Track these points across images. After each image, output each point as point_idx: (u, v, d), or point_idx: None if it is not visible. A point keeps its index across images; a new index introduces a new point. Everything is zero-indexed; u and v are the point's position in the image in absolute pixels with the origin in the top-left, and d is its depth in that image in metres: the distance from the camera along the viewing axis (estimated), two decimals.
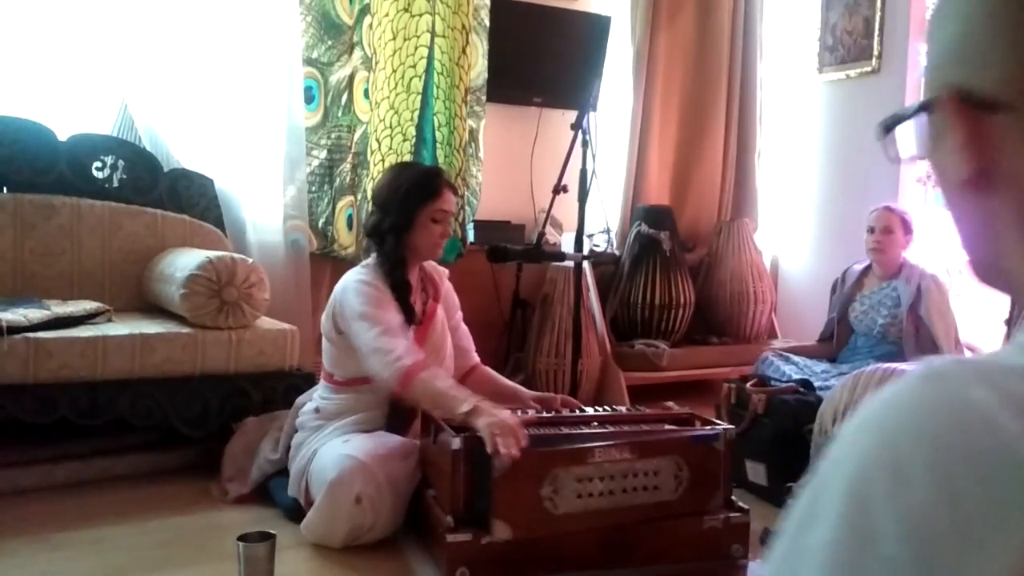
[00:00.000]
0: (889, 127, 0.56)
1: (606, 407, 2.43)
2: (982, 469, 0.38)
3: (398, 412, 2.36)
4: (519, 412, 2.21)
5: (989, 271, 0.55)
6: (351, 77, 3.51)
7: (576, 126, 2.94)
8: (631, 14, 4.14)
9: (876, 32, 3.99)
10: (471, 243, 3.67)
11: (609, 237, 4.14)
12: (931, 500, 0.38)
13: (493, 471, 1.91)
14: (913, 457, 0.40)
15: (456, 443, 2.01)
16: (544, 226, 3.36)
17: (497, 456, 1.90)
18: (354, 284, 2.32)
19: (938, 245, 3.60)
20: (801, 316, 4.31)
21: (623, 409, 2.43)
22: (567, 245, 3.68)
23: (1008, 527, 0.37)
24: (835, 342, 3.38)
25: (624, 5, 4.17)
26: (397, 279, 2.35)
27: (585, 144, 3.00)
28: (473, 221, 3.76)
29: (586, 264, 3.44)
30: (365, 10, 3.48)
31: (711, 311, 4.20)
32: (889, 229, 3.18)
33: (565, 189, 3.09)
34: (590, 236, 3.90)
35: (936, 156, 0.53)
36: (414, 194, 2.33)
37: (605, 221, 4.14)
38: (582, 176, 2.98)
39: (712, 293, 4.18)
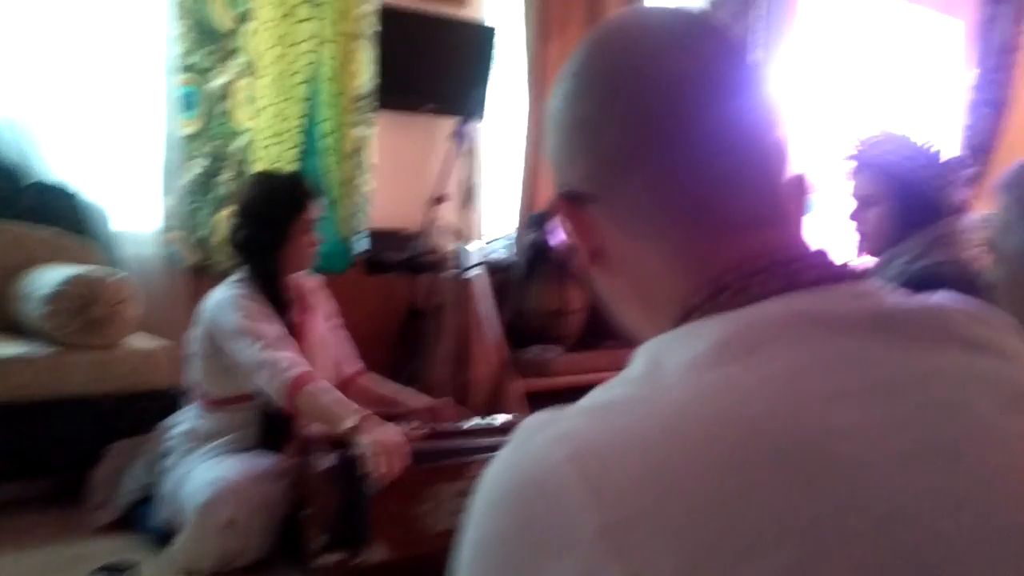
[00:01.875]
0: (538, 222, 0.70)
1: (498, 416, 2.42)
2: (525, 510, 0.45)
3: (273, 430, 2.28)
4: (407, 425, 2.17)
5: (628, 332, 0.64)
6: (232, 84, 3.40)
7: (455, 136, 2.92)
8: (524, 22, 4.15)
9: (755, 27, 4.11)
10: (364, 252, 3.61)
11: (509, 244, 4.13)
12: (489, 538, 0.46)
13: (369, 490, 1.87)
14: (483, 499, 0.48)
15: (329, 461, 1.95)
16: (429, 235, 3.33)
17: (375, 475, 1.86)
18: (229, 299, 2.24)
19: (824, 243, 3.71)
20: None
21: (512, 417, 2.42)
22: (471, 254, 3.66)
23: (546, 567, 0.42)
24: None
25: (514, 14, 4.18)
26: (273, 292, 2.30)
27: (468, 153, 2.98)
28: (367, 230, 3.69)
29: (480, 271, 3.42)
30: (246, 15, 3.38)
31: (605, 315, 4.21)
32: None
33: (443, 199, 3.07)
34: (489, 244, 3.89)
35: (570, 241, 0.63)
36: (284, 207, 2.29)
37: (505, 229, 4.14)
38: (465, 185, 2.96)
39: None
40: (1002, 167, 3.92)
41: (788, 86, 4.14)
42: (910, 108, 4.88)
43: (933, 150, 1.84)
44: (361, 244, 3.67)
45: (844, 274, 0.55)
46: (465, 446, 2.11)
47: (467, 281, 3.04)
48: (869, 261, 1.90)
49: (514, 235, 4.14)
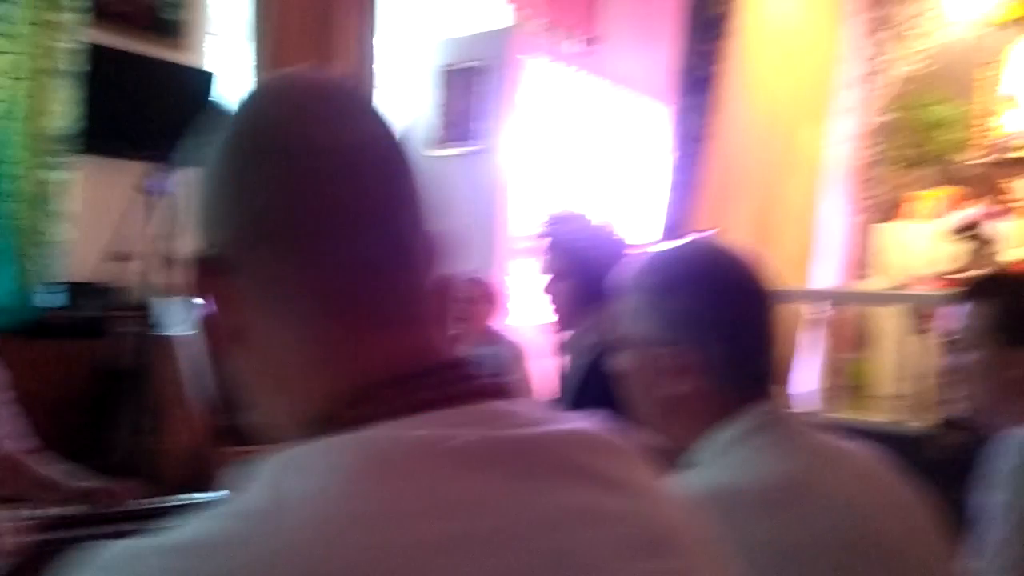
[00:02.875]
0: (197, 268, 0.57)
1: (200, 493, 2.27)
2: None
3: None
4: (17, 513, 1.95)
5: (262, 424, 0.58)
6: None
7: (150, 185, 2.77)
8: (252, 70, 4.04)
9: (480, 113, 4.30)
10: (54, 308, 3.28)
11: None
12: None
13: None
14: None
15: None
16: (130, 290, 3.11)
17: None
18: None
19: (527, 313, 3.90)
20: None
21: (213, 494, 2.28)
22: (175, 310, 3.44)
23: None
24: None
25: (240, 60, 4.07)
26: None
27: (171, 203, 2.83)
28: (60, 284, 3.37)
29: (188, 329, 3.23)
30: None
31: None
32: (471, 299, 3.38)
33: (129, 256, 2.89)
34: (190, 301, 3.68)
35: (209, 312, 0.56)
36: None
37: None
38: (166, 237, 2.80)
39: None
40: None
41: (509, 164, 4.36)
42: (624, 187, 5.31)
43: (608, 229, 2.01)
44: (51, 299, 3.34)
45: (486, 390, 0.53)
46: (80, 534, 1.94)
47: (169, 340, 2.86)
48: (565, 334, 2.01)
49: None
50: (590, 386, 1.74)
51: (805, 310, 3.94)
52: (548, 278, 2.01)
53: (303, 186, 0.53)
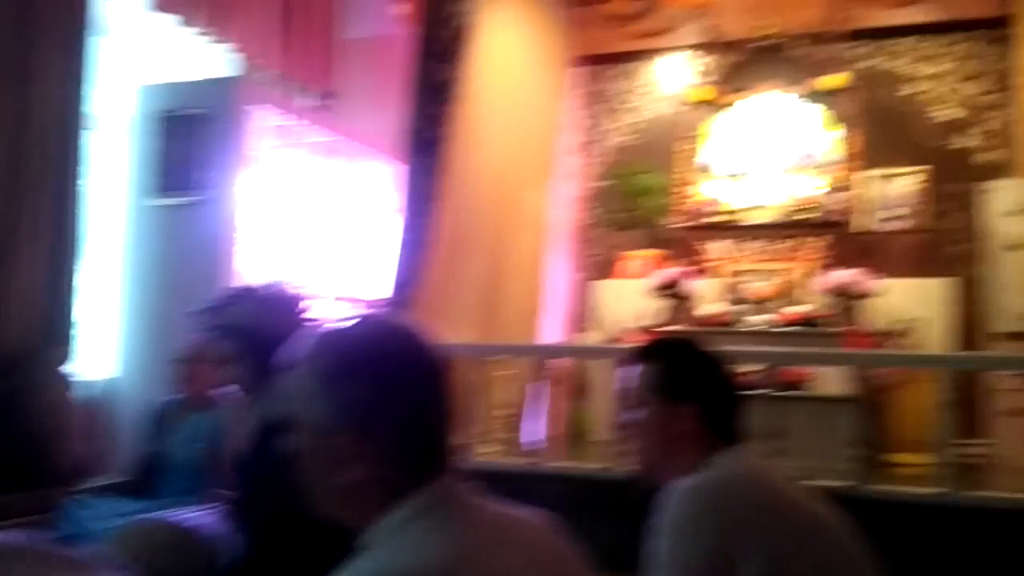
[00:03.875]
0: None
1: None
2: None
3: None
4: None
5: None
6: None
7: None
8: None
9: (204, 164, 4.11)
10: None
11: None
12: None
13: None
14: None
15: None
16: None
17: None
18: None
19: None
20: (130, 449, 4.07)
21: None
22: None
23: None
24: (150, 477, 3.23)
25: None
26: None
27: None
28: None
29: None
30: None
31: (16, 452, 3.68)
32: (200, 360, 3.19)
33: None
34: None
35: None
36: None
37: None
38: None
39: (20, 431, 3.68)
40: (425, 305, 4.44)
41: (234, 216, 4.20)
42: (354, 245, 5.30)
43: (287, 302, 1.93)
44: None
45: None
46: None
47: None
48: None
49: None
50: (262, 465, 1.67)
51: (532, 363, 4.13)
52: (223, 361, 1.92)
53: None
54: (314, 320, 1.91)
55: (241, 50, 4.74)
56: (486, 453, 4.57)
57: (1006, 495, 3.69)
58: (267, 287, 1.96)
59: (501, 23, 5.25)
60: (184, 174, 4.17)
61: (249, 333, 1.85)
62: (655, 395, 1.65)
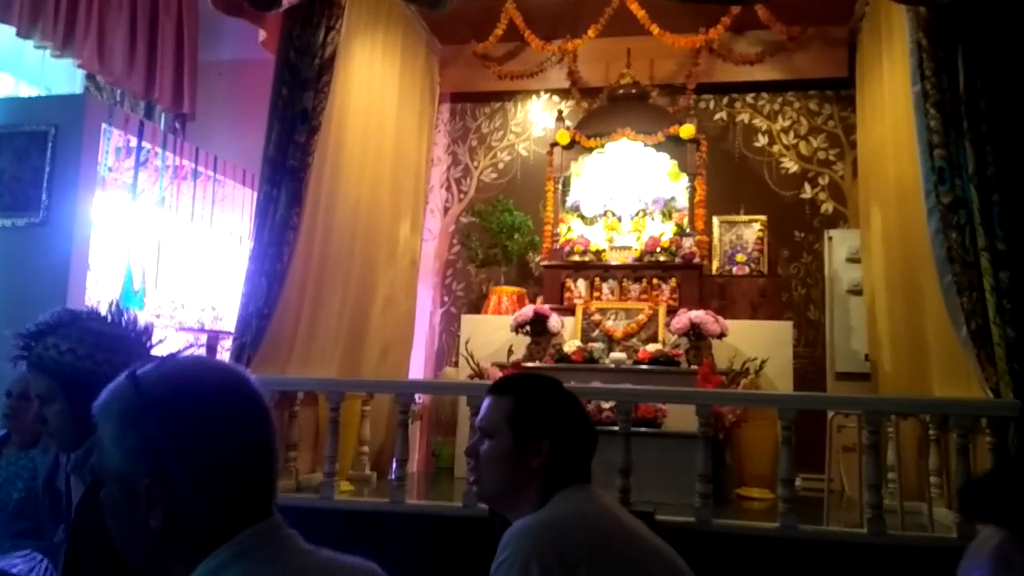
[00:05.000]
0: None
1: None
2: None
3: None
4: None
5: None
6: None
7: None
8: None
9: (45, 183, 3.86)
10: None
11: None
12: None
13: None
14: None
15: None
16: None
17: None
18: None
19: None
20: None
21: None
22: None
23: None
24: None
25: None
26: None
27: None
28: None
29: None
30: None
31: None
32: (26, 395, 2.95)
33: None
34: None
35: None
36: None
37: None
38: None
39: None
40: (278, 338, 4.29)
41: (76, 237, 3.96)
42: (206, 271, 5.10)
43: (118, 331, 1.72)
44: None
45: None
46: None
47: None
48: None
49: None
50: (85, 514, 1.53)
51: (404, 400, 4.05)
52: (35, 400, 1.71)
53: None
54: (148, 354, 1.76)
55: (87, 66, 4.50)
56: (346, 492, 4.45)
57: (842, 529, 3.89)
58: (92, 315, 1.74)
59: (369, 55, 5.22)
60: (20, 193, 3.89)
61: (66, 369, 1.65)
62: (507, 428, 1.66)
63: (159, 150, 4.65)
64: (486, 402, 1.73)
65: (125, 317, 1.76)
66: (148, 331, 1.77)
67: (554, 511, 1.56)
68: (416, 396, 4.98)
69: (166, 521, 0.91)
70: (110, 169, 4.43)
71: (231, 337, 4.32)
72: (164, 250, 4.76)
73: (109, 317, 1.75)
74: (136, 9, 4.93)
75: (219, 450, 0.94)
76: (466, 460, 1.77)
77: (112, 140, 4.39)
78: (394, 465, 3.99)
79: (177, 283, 4.86)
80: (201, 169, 4.98)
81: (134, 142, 4.46)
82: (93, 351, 1.67)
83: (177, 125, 5.27)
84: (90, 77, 4.80)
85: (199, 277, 5.06)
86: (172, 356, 1.03)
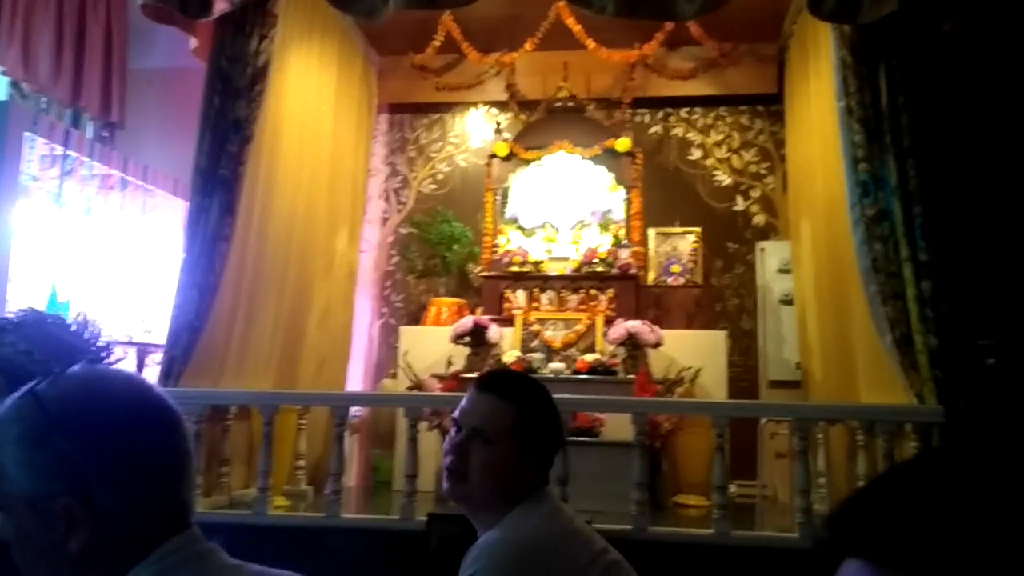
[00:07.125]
0: None
1: None
2: None
3: None
4: None
5: None
6: None
7: None
8: None
9: None
10: None
11: None
12: None
13: None
14: None
15: None
16: None
17: None
18: None
19: None
20: None
21: None
22: None
23: None
24: None
25: None
26: None
27: None
28: None
29: None
30: None
31: None
32: None
33: None
34: None
35: None
36: None
37: None
38: None
39: None
40: (209, 350, 4.20)
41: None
42: (135, 283, 4.96)
43: (73, 340, 1.61)
44: None
45: None
46: None
47: None
48: None
49: None
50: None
51: (340, 413, 3.99)
52: None
53: None
54: (61, 366, 1.67)
55: (11, 73, 4.36)
56: (281, 507, 4.37)
57: (775, 534, 3.98)
58: (57, 320, 1.64)
59: (304, 65, 5.17)
60: None
61: (16, 370, 1.50)
62: (511, 438, 1.57)
63: (85, 159, 4.52)
64: (484, 401, 1.60)
65: (89, 330, 1.68)
66: (108, 349, 1.69)
67: (523, 529, 1.51)
68: (353, 409, 4.92)
69: (88, 541, 0.88)
70: (34, 178, 4.29)
71: (161, 350, 4.21)
72: (91, 261, 4.61)
73: (74, 326, 1.67)
74: (63, 14, 4.80)
75: (138, 458, 0.91)
76: (443, 456, 1.63)
77: (36, 148, 4.25)
78: (331, 478, 3.94)
79: (104, 295, 4.72)
80: (130, 179, 4.85)
81: (60, 150, 4.32)
82: (49, 358, 1.59)
83: (105, 134, 5.13)
84: (14, 84, 4.65)
85: (128, 289, 4.93)
86: (65, 370, 0.98)
